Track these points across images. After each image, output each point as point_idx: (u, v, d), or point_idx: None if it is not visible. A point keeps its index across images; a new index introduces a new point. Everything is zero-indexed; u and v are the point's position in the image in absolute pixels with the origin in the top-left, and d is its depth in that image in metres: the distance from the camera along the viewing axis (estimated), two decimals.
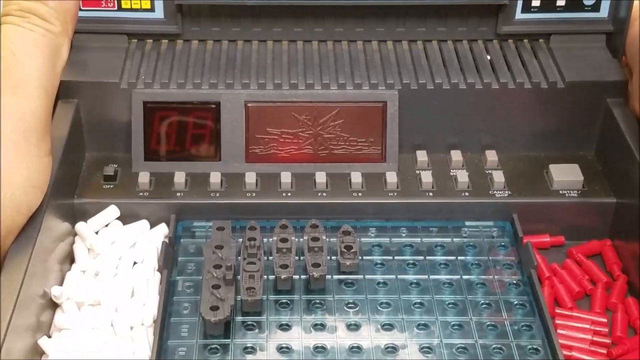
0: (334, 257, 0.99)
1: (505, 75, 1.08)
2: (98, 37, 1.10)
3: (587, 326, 0.93)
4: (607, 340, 0.93)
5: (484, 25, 1.13)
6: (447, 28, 1.13)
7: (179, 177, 1.04)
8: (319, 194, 1.04)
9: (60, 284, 0.94)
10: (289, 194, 1.04)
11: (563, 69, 1.08)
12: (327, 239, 1.01)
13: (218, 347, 0.90)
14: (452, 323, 0.93)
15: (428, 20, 1.13)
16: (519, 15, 1.11)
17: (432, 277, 0.98)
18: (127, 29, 1.11)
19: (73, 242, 1.00)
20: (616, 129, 1.05)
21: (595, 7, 1.11)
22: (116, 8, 1.09)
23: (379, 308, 0.94)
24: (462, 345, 0.90)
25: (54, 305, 0.93)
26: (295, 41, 1.14)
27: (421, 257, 1.00)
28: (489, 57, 1.11)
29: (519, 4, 1.10)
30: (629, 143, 1.02)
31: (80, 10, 1.09)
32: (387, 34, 1.13)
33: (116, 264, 0.97)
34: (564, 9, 1.11)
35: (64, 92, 1.06)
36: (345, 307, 0.95)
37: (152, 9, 1.10)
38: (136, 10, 1.10)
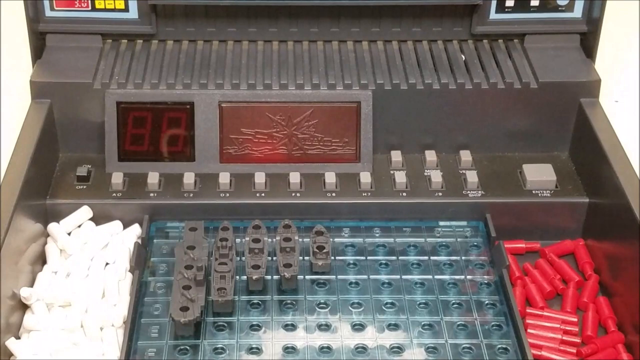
0: (307, 258, 0.99)
1: (478, 75, 1.08)
2: (72, 37, 1.10)
3: (558, 325, 0.93)
4: (577, 340, 0.93)
5: (459, 26, 1.13)
6: (422, 28, 1.13)
7: (153, 178, 1.04)
8: (293, 194, 1.04)
9: (31, 285, 0.94)
10: (263, 195, 1.04)
11: (536, 69, 1.08)
12: (301, 240, 1.01)
13: (188, 347, 0.89)
14: (423, 323, 0.93)
15: (403, 21, 1.13)
16: (493, 15, 1.11)
17: (404, 277, 0.98)
18: (101, 29, 1.10)
19: (45, 243, 1.00)
20: (589, 129, 1.05)
21: (569, 7, 1.11)
22: (90, 8, 1.09)
23: (350, 308, 0.94)
24: (432, 345, 0.90)
25: (23, 307, 0.92)
26: (270, 41, 1.14)
27: (394, 257, 1.00)
28: (463, 58, 1.11)
29: (493, 4, 1.10)
30: (601, 143, 1.02)
31: (54, 10, 1.09)
32: (363, 34, 1.13)
33: (88, 264, 0.97)
34: (538, 9, 1.11)
35: (37, 92, 1.06)
36: (317, 308, 0.95)
37: (126, 9, 1.10)
38: (110, 10, 1.10)
